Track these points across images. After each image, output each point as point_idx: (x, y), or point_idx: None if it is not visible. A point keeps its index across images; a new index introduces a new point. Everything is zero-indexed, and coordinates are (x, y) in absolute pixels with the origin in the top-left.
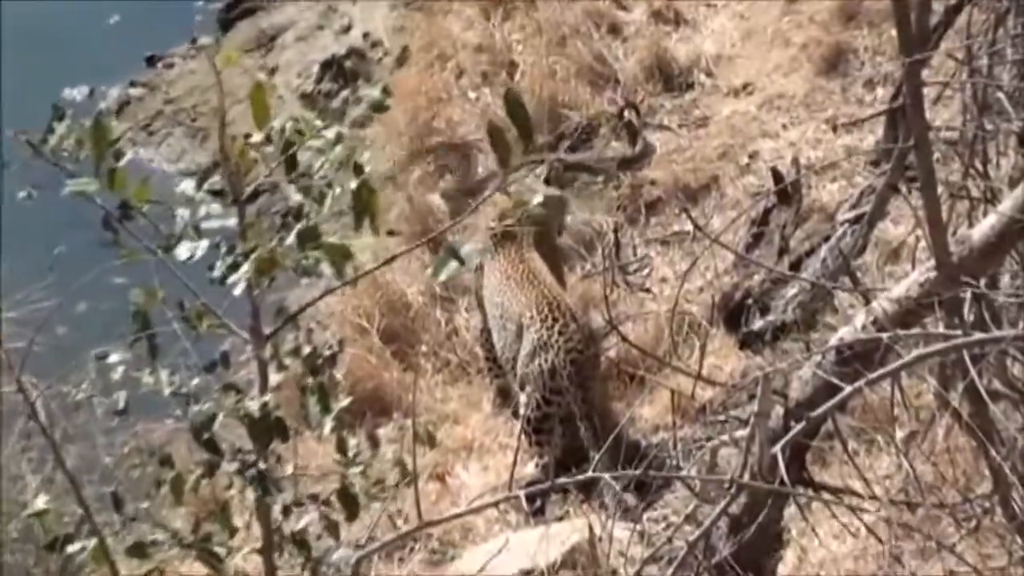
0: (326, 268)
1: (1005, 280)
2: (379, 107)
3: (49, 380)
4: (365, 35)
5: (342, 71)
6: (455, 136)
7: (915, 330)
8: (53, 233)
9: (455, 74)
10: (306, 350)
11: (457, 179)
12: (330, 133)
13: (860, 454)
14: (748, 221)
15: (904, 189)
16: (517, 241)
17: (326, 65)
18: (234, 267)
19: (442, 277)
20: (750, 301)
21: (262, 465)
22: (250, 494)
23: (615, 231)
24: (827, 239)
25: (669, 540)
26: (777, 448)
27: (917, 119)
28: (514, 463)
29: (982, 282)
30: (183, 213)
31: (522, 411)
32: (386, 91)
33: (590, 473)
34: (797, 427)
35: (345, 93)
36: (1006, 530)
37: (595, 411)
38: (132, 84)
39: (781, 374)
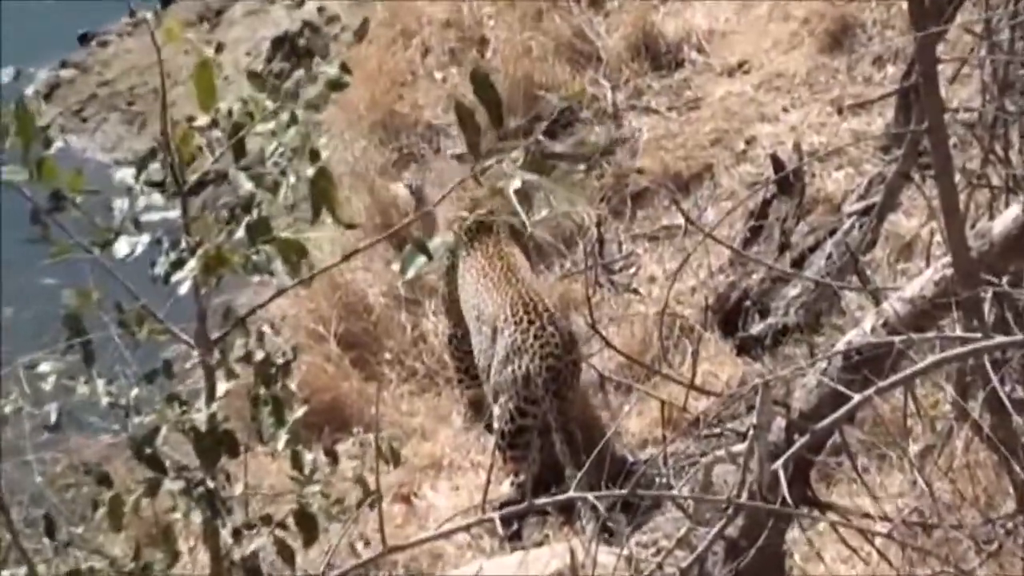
0: (279, 266)
1: None
2: (337, 85)
3: None
4: (320, 9)
5: (295, 48)
6: (420, 120)
7: (930, 333)
8: None
9: (420, 52)
10: (258, 356)
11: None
12: (283, 116)
13: (870, 471)
14: (745, 214)
15: (917, 177)
16: (494, 234)
17: (278, 42)
18: (178, 264)
19: (410, 274)
20: (748, 302)
21: (210, 484)
22: (196, 516)
23: (598, 225)
24: (832, 233)
25: (659, 566)
26: (778, 464)
27: (931, 100)
28: (487, 482)
29: (1004, 280)
30: (121, 205)
31: (496, 424)
32: (344, 68)
33: (571, 493)
34: (800, 441)
35: (299, 72)
36: None
37: (574, 423)
38: (63, 65)
39: (782, 382)
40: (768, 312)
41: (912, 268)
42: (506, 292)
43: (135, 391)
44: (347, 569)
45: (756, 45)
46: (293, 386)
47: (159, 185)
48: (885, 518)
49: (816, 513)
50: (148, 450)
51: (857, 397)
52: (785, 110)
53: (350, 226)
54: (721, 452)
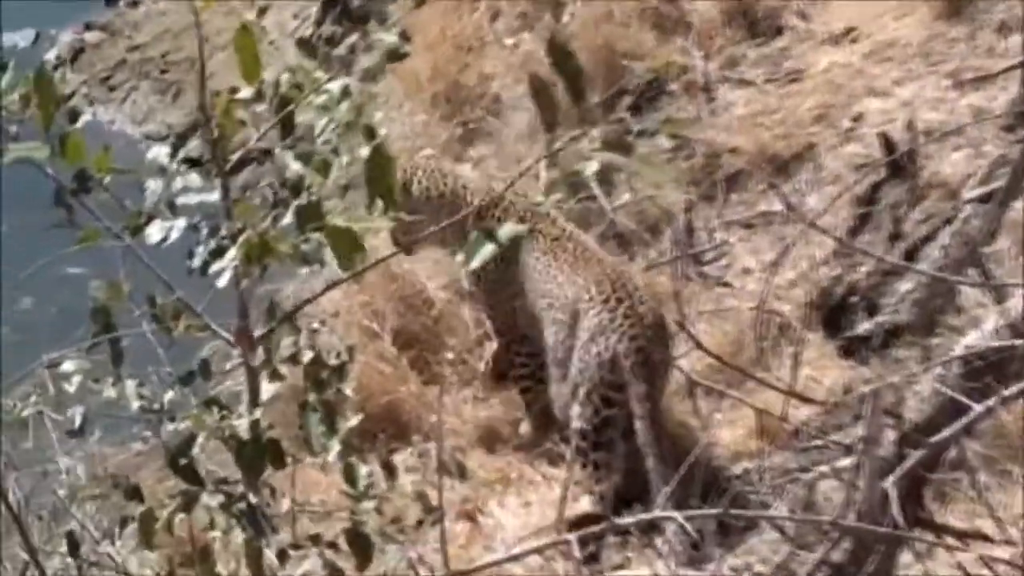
0: (330, 255)
1: None
2: (395, 55)
3: None
4: None
5: (348, 11)
6: (489, 91)
7: None
8: None
9: (489, 16)
10: (307, 357)
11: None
12: (335, 87)
13: (991, 488)
14: (851, 199)
15: None
16: (549, 216)
17: (328, 4)
18: (217, 253)
19: (474, 264)
20: (854, 298)
21: (252, 498)
22: (237, 535)
23: (687, 211)
24: (949, 222)
25: None
26: (889, 482)
27: None
28: (563, 498)
29: None
30: (154, 186)
31: (575, 423)
32: (403, 35)
33: (657, 512)
34: (913, 456)
35: (353, 38)
36: None
37: (662, 418)
38: (88, 27)
39: (893, 389)
40: (877, 310)
41: None
42: (587, 272)
43: (169, 394)
44: None
45: (864, 11)
46: (347, 390)
47: (197, 163)
48: (1008, 542)
49: (930, 536)
50: (183, 460)
51: (977, 407)
52: (897, 84)
53: (410, 211)
54: (824, 468)
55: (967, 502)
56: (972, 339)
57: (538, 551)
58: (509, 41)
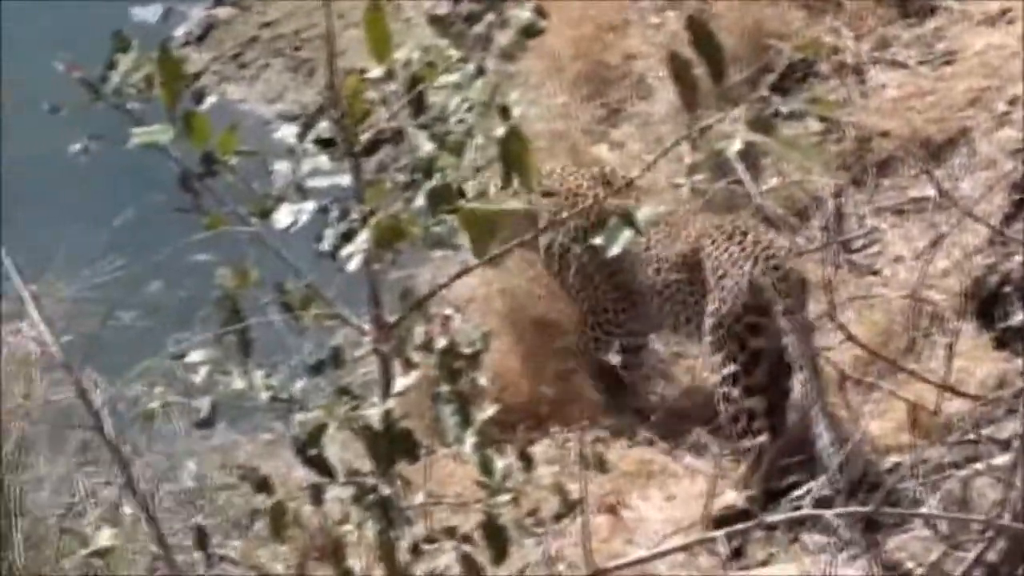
0: (464, 240)
1: None
2: (532, 32)
3: (113, 378)
4: None
5: None
6: (632, 71)
7: None
8: (117, 196)
9: None
10: (440, 344)
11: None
12: (469, 66)
13: None
14: (1007, 185)
15: None
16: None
17: None
18: (348, 237)
19: (615, 249)
20: (1008, 288)
21: (385, 490)
22: (370, 527)
23: (836, 196)
24: None
25: None
26: None
27: None
28: (710, 493)
29: None
30: (283, 168)
31: (723, 371)
32: (539, 12)
33: (806, 511)
34: None
35: (489, 16)
36: None
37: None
38: (219, 2)
39: None
40: None
41: None
42: (694, 224)
43: (299, 384)
44: None
45: None
46: (482, 380)
47: (327, 145)
48: None
49: None
50: (313, 451)
51: None
52: None
53: (547, 193)
54: (979, 464)
55: None
56: None
57: (684, 549)
58: (653, 20)
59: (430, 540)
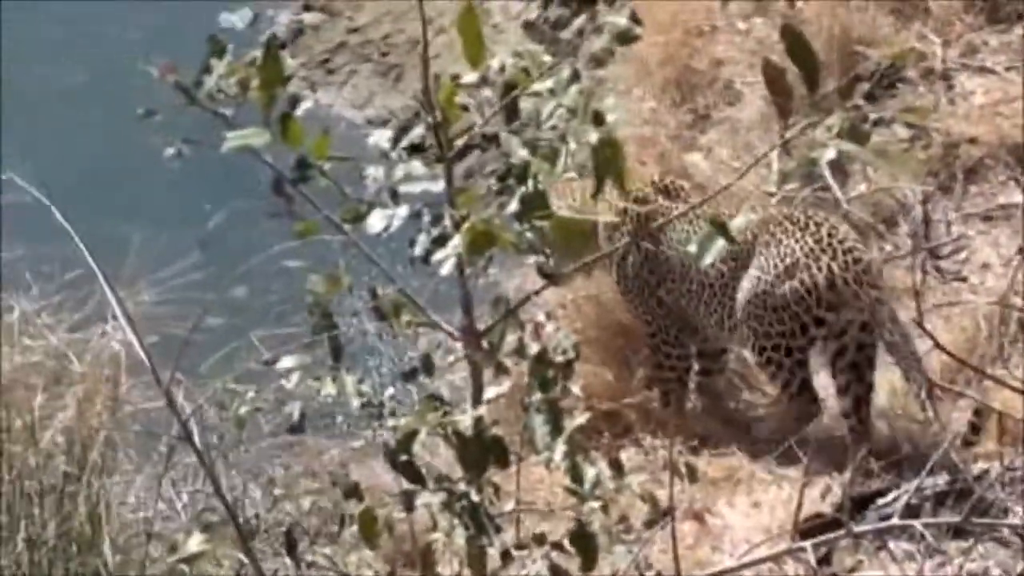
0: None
1: None
2: (625, 38)
3: (200, 382)
4: None
5: None
6: (720, 77)
7: None
8: (206, 200)
9: None
10: (533, 350)
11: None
12: (563, 72)
13: None
14: None
15: None
16: (683, 192)
17: None
18: (440, 241)
19: (707, 260)
20: None
21: (475, 497)
22: (460, 534)
23: (924, 203)
24: None
25: None
26: None
27: None
28: (799, 504)
29: None
30: (376, 173)
31: (764, 369)
32: (634, 18)
33: (895, 520)
34: None
35: (580, 21)
36: None
37: (904, 333)
38: (307, 7)
39: None
40: None
41: None
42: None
43: (390, 390)
44: None
45: None
46: (574, 389)
47: (418, 150)
48: None
49: None
50: (404, 457)
51: None
52: None
53: (638, 200)
54: None
55: None
56: None
57: (772, 559)
58: (742, 26)
59: (520, 547)
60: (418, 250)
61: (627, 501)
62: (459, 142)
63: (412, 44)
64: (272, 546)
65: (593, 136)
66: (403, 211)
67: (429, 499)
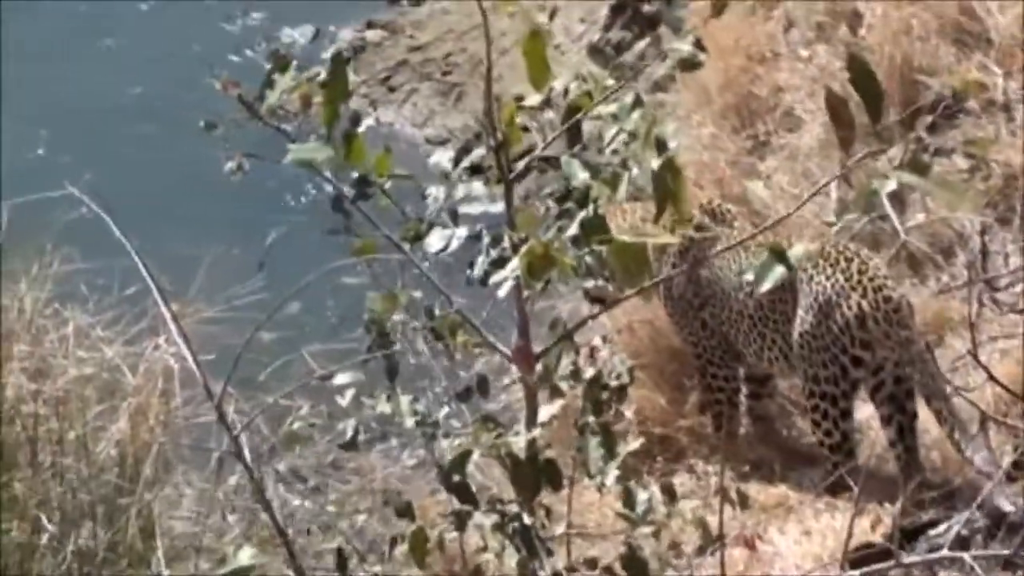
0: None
1: None
2: (689, 64)
3: (252, 396)
4: None
5: (638, 16)
6: (780, 104)
7: None
8: (264, 215)
9: (783, 25)
10: (588, 373)
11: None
12: (626, 97)
13: None
14: None
15: None
16: (729, 215)
17: (618, 8)
18: (499, 263)
19: (766, 286)
20: None
21: (527, 519)
22: (511, 556)
23: (982, 234)
24: None
25: None
26: None
27: None
28: (849, 534)
29: None
30: (436, 193)
31: (810, 414)
32: (698, 44)
33: (944, 552)
34: None
35: (641, 45)
36: None
37: (932, 373)
38: (369, 25)
39: None
40: None
41: None
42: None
43: (444, 410)
44: None
45: None
46: (628, 413)
47: (478, 171)
48: None
49: None
50: (457, 477)
51: None
52: None
53: (698, 227)
54: None
55: None
56: None
57: None
58: (804, 53)
59: (571, 570)
60: (477, 271)
61: (678, 526)
62: (520, 164)
63: (473, 64)
64: (322, 562)
65: (655, 161)
66: (463, 231)
67: (481, 520)
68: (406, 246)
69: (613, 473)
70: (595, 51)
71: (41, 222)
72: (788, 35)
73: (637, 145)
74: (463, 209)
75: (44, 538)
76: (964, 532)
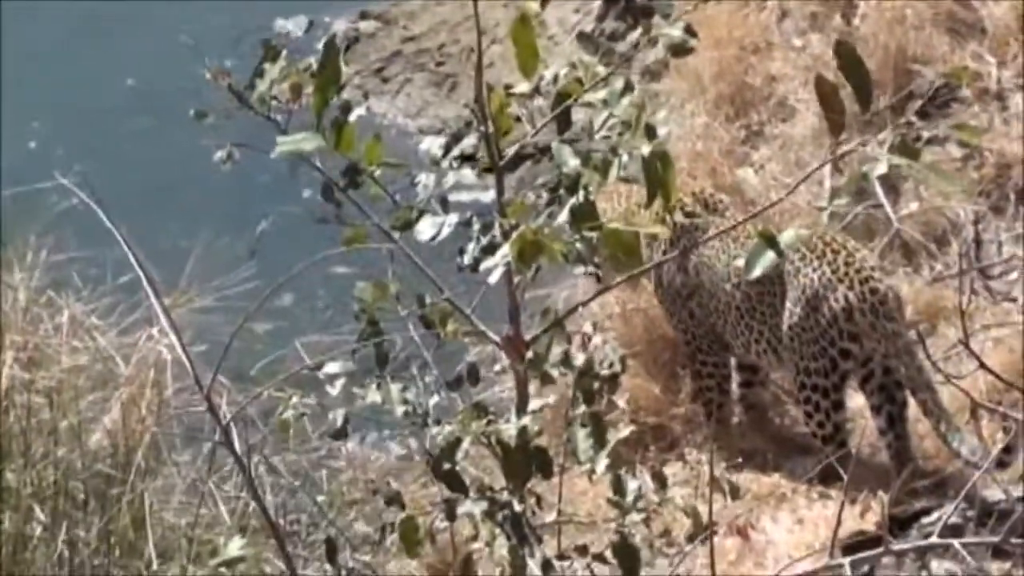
0: (606, 258)
1: None
2: (680, 49)
3: (243, 388)
4: None
5: (631, 6)
6: (774, 93)
7: None
8: (256, 205)
9: (777, 15)
10: (579, 360)
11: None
12: (616, 83)
13: None
14: None
15: None
16: (722, 205)
17: None
18: (489, 250)
19: (757, 272)
20: None
21: (517, 507)
22: (501, 544)
23: (975, 223)
24: None
25: None
26: None
27: None
28: (838, 521)
29: None
30: (426, 180)
31: (802, 406)
32: (689, 30)
33: (935, 539)
34: None
35: (636, 34)
36: None
37: (919, 366)
38: (363, 16)
39: None
40: None
41: None
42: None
43: (434, 399)
44: None
45: None
46: (620, 403)
47: (470, 159)
48: None
49: None
50: (448, 465)
51: None
52: None
53: (689, 214)
54: None
55: None
56: None
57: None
58: (797, 42)
59: (561, 558)
60: (467, 258)
61: (670, 515)
62: (510, 151)
63: (467, 54)
64: (314, 552)
65: (645, 148)
66: (453, 219)
67: (471, 508)
68: (396, 235)
69: (603, 461)
70: (585, 38)
71: (34, 214)
72: (782, 25)
73: (628, 132)
74: (453, 197)
75: (37, 528)
76: (956, 520)
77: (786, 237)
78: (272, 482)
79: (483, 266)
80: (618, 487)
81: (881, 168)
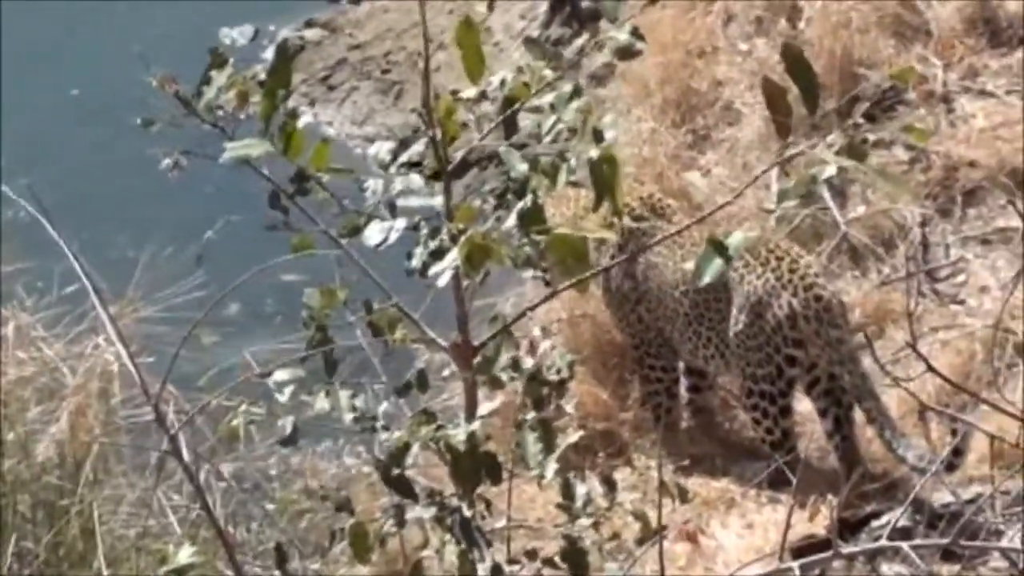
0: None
1: None
2: (627, 52)
3: (192, 397)
4: None
5: (577, 11)
6: (720, 97)
7: None
8: (202, 213)
9: (722, 19)
10: (527, 365)
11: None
12: (564, 88)
13: None
14: None
15: None
16: (668, 210)
17: (557, 5)
18: (437, 254)
19: (706, 278)
20: None
21: (467, 512)
22: (451, 550)
23: (922, 225)
24: None
25: None
26: None
27: None
28: (787, 525)
29: None
30: (375, 186)
31: (756, 409)
32: (636, 33)
33: (884, 542)
34: None
35: (581, 41)
36: None
37: (862, 373)
38: (308, 24)
39: None
40: None
41: None
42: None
43: (383, 405)
44: None
45: None
46: (569, 408)
47: (417, 166)
48: None
49: None
50: (397, 471)
51: None
52: None
53: (637, 217)
54: None
55: None
56: None
57: None
58: (743, 47)
59: (511, 563)
60: (415, 262)
61: (620, 520)
62: (458, 155)
63: (413, 62)
64: (264, 561)
65: (593, 152)
66: (401, 224)
67: (420, 514)
68: (344, 241)
69: (552, 467)
70: (532, 43)
71: None
72: (727, 29)
73: (576, 137)
74: (401, 203)
75: None
76: (906, 523)
77: (734, 240)
78: (222, 491)
79: (431, 270)
80: (567, 492)
81: (829, 171)
